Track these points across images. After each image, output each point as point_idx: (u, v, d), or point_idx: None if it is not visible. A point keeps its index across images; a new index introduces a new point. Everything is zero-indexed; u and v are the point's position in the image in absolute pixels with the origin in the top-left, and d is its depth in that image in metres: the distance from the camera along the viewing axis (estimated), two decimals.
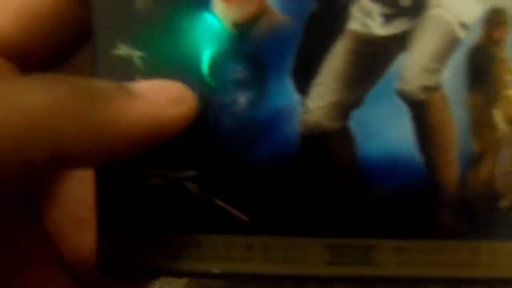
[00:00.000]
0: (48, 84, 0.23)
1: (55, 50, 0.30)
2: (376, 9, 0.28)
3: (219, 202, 0.29)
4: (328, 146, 0.29)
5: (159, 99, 0.26)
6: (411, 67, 0.28)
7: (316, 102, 0.28)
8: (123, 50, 0.28)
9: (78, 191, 0.31)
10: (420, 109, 0.28)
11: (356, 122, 0.28)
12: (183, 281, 0.41)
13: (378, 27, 0.28)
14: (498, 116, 0.29)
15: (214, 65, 0.28)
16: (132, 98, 0.25)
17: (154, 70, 0.28)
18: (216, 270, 0.29)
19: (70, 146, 0.23)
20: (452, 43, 0.28)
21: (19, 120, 0.21)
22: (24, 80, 0.24)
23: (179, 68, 0.28)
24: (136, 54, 0.28)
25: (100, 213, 0.29)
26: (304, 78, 0.28)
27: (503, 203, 0.29)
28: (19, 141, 0.21)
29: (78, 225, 0.30)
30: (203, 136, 0.29)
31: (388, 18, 0.28)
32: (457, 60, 0.28)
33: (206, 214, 0.29)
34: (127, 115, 0.24)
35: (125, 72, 0.28)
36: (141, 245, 0.29)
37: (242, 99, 0.28)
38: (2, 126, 0.21)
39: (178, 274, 0.30)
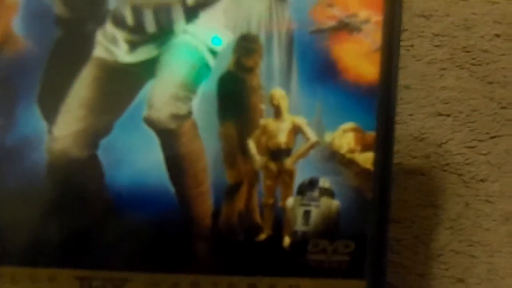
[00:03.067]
0: None
1: None
2: (121, 35, 0.27)
3: None
4: (76, 175, 0.28)
5: None
6: (159, 95, 0.27)
7: (63, 130, 0.28)
8: None
9: None
10: (170, 138, 0.28)
11: (104, 150, 0.28)
12: None
13: (124, 54, 0.27)
14: (252, 146, 0.28)
15: None
16: None
17: None
18: None
19: None
20: (201, 70, 0.27)
21: None
22: None
23: None
24: None
25: None
26: (50, 105, 0.28)
27: (261, 236, 0.28)
28: None
29: None
30: None
31: (134, 45, 0.27)
32: (208, 88, 0.27)
33: None
34: None
35: None
36: None
37: None
38: None
39: None
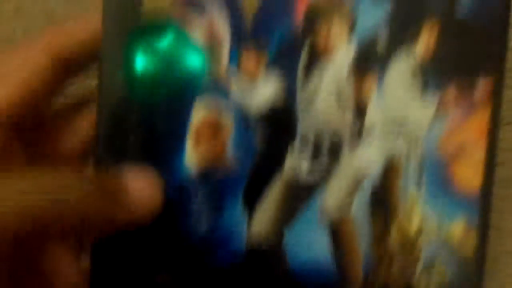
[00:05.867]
0: None
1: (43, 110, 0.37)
2: (304, 157, 0.38)
3: None
4: (267, 264, 0.38)
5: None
6: (330, 201, 0.38)
7: (259, 224, 0.38)
8: None
9: None
10: (336, 231, 0.38)
11: (288, 240, 0.38)
12: None
13: (304, 172, 0.38)
14: (393, 232, 0.39)
15: (184, 197, 0.37)
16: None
17: None
18: None
19: None
20: (358, 184, 0.38)
21: None
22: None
23: None
24: None
25: None
26: (251, 205, 0.38)
27: None
28: None
29: None
30: (175, 246, 0.37)
31: (313, 165, 0.38)
32: (363, 195, 0.38)
33: None
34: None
35: None
36: None
37: (203, 219, 0.37)
38: None
39: None
